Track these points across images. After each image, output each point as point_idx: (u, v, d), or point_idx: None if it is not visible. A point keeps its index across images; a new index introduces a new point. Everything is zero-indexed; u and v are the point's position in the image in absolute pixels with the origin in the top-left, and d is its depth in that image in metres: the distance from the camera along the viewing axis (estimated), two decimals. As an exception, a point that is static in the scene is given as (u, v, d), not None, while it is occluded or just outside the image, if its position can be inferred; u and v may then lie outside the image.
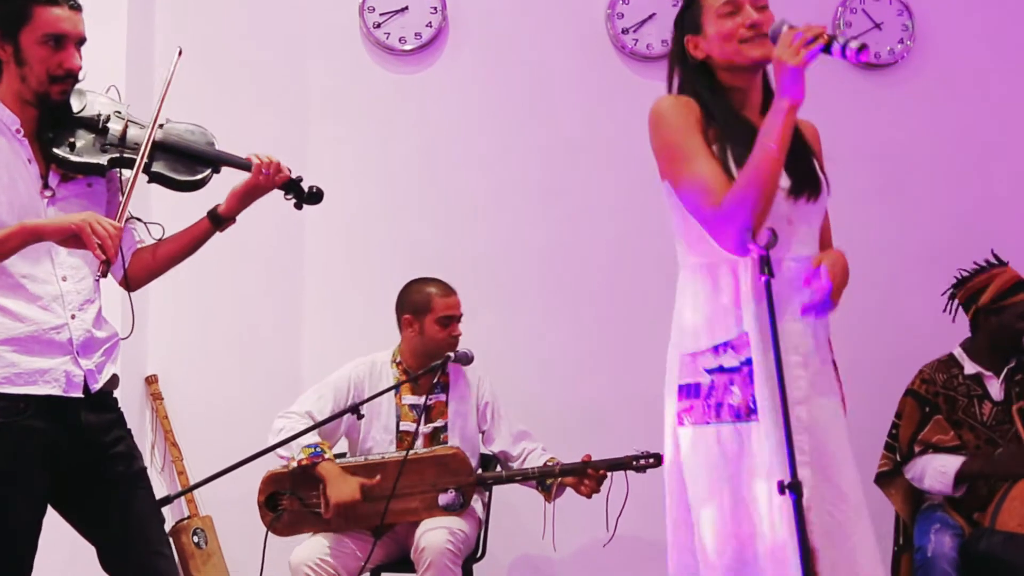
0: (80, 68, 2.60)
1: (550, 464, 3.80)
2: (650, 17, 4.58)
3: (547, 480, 3.78)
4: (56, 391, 2.55)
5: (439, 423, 3.83)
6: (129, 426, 2.73)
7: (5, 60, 2.58)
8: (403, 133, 4.56)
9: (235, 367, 4.46)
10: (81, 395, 2.58)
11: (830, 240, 2.61)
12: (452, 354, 3.73)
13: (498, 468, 3.95)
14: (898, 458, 3.77)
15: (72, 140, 2.63)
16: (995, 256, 3.85)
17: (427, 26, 4.55)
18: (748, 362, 2.35)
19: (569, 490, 3.77)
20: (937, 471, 3.66)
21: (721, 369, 2.39)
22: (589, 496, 3.74)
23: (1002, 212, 4.62)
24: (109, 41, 4.00)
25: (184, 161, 2.74)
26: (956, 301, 3.88)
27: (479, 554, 3.88)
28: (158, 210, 2.93)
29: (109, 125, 2.68)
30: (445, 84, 4.58)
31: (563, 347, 4.52)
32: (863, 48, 2.28)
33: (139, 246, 2.78)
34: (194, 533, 4.21)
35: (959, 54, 4.68)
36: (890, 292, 4.54)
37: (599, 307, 4.54)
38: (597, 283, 4.55)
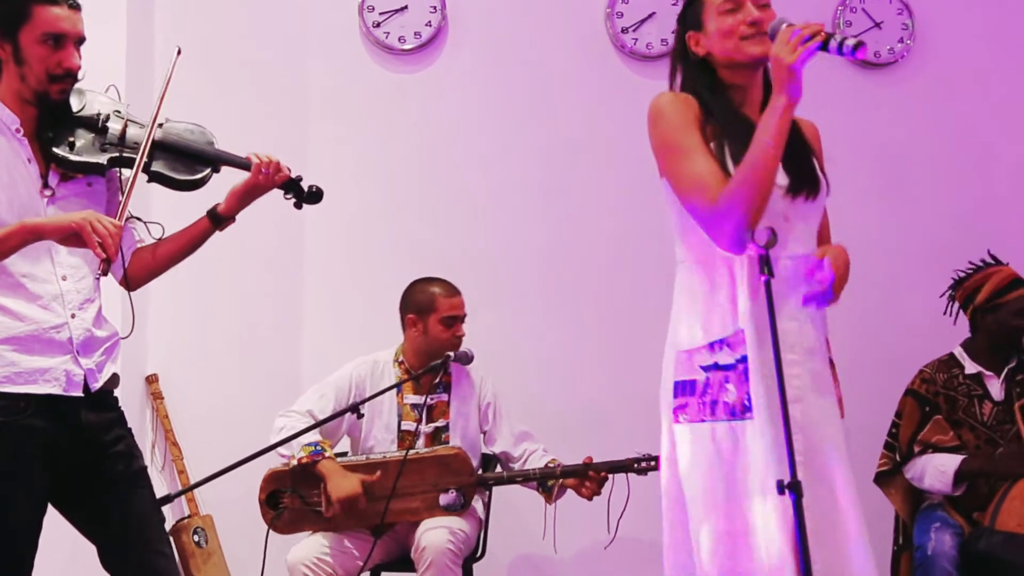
0: (79, 67, 2.60)
1: (551, 465, 3.80)
2: (650, 16, 4.58)
3: (548, 481, 3.78)
4: (56, 390, 2.55)
5: (441, 423, 3.83)
6: (129, 425, 2.73)
7: (4, 59, 2.58)
8: (403, 132, 4.56)
9: (235, 366, 4.47)
10: (81, 394, 2.58)
11: (828, 239, 2.61)
12: (452, 353, 3.73)
13: (498, 468, 3.95)
14: (898, 458, 3.77)
15: (72, 139, 2.63)
16: (992, 256, 3.85)
17: (427, 25, 4.55)
18: (743, 359, 2.36)
19: (570, 492, 3.77)
20: (937, 470, 3.66)
21: (716, 366, 2.39)
22: (590, 498, 3.74)
23: (1002, 212, 4.62)
24: (109, 40, 4.00)
25: (184, 160, 2.74)
26: (956, 303, 3.88)
27: (479, 554, 3.88)
28: (159, 210, 2.93)
29: (109, 124, 2.68)
30: (445, 83, 4.58)
31: (563, 347, 4.52)
32: (859, 46, 2.28)
33: (139, 245, 2.78)
34: (194, 532, 4.22)
35: (959, 53, 4.68)
36: (890, 292, 4.53)
37: (599, 307, 4.54)
38: (597, 283, 4.55)
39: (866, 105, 4.62)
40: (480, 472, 3.83)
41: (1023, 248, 4.15)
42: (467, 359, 3.75)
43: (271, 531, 3.67)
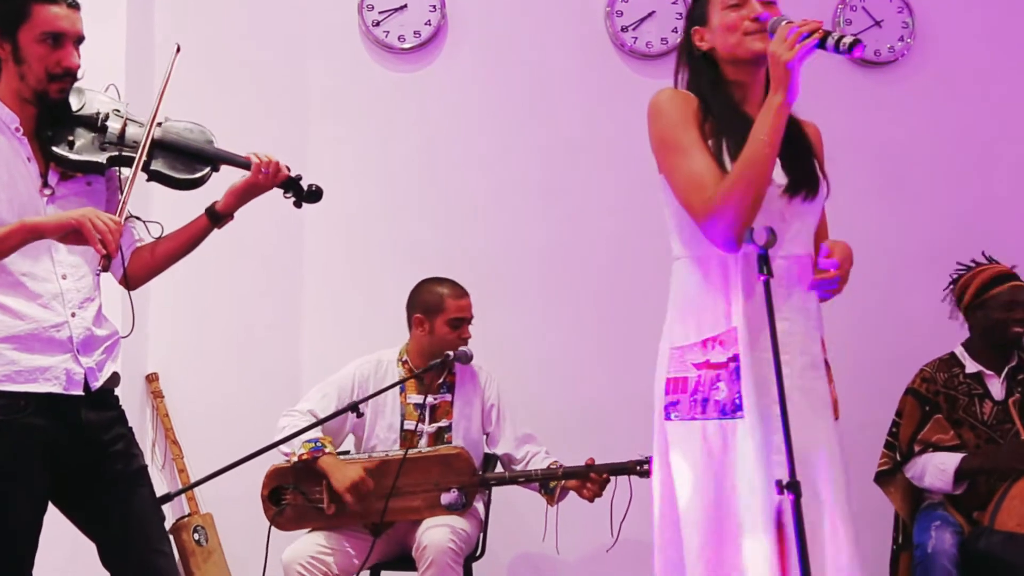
0: (79, 66, 2.60)
1: (553, 467, 3.80)
2: (649, 15, 4.58)
3: (550, 483, 3.78)
4: (56, 389, 2.55)
5: (444, 423, 3.82)
6: (130, 424, 2.73)
7: (4, 58, 2.58)
8: (403, 132, 4.56)
9: (235, 365, 4.47)
10: (81, 393, 2.58)
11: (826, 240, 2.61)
12: (451, 353, 3.73)
13: (498, 467, 3.95)
14: (898, 457, 3.77)
15: (71, 138, 2.63)
16: (985, 256, 3.86)
17: (426, 24, 4.55)
18: (735, 358, 2.36)
19: (572, 494, 3.77)
20: (937, 468, 3.66)
21: (708, 364, 2.40)
22: (592, 500, 3.74)
23: (1002, 212, 4.61)
24: (108, 40, 4.00)
25: (183, 159, 2.75)
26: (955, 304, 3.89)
27: (479, 553, 3.88)
28: (158, 209, 2.93)
29: (108, 123, 2.68)
30: (444, 82, 4.58)
31: (563, 347, 4.52)
32: (856, 44, 2.28)
33: (138, 244, 2.78)
34: (195, 530, 4.22)
35: (959, 52, 4.67)
36: (890, 292, 4.53)
37: (599, 307, 4.54)
38: (597, 283, 4.55)
39: (866, 104, 4.62)
40: (480, 472, 3.83)
41: (1023, 248, 4.15)
42: (467, 358, 3.75)
43: (273, 527, 3.67)
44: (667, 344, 2.48)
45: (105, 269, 2.52)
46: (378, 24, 4.55)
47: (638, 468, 3.69)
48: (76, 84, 2.63)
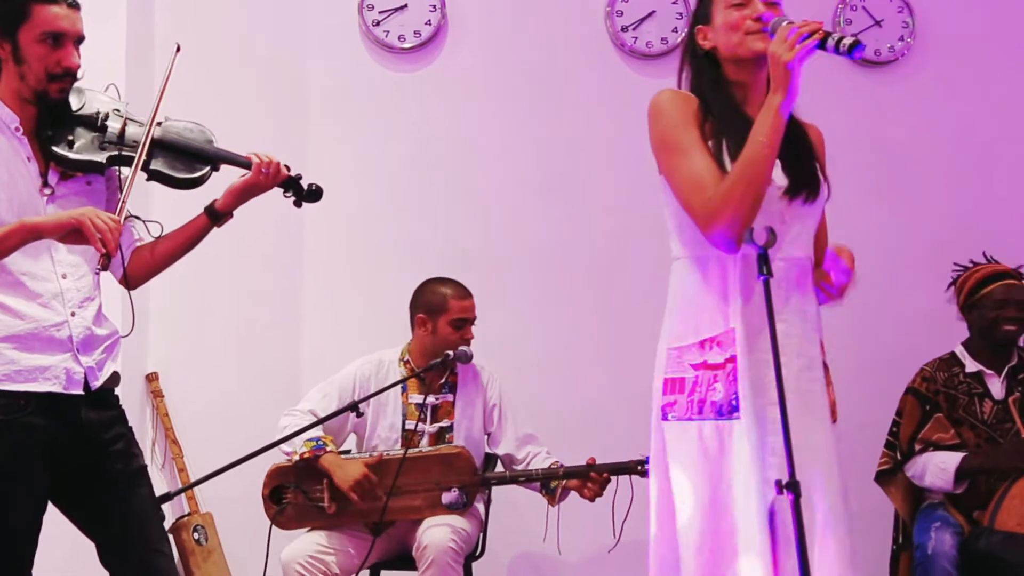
0: (78, 66, 2.60)
1: (554, 467, 3.80)
2: (650, 15, 4.58)
3: (551, 483, 3.78)
4: (56, 388, 2.55)
5: (445, 423, 3.82)
6: (130, 423, 2.73)
7: (4, 58, 2.58)
8: (403, 131, 4.56)
9: (235, 365, 4.47)
10: (81, 392, 2.59)
11: (826, 243, 2.60)
12: (451, 352, 3.73)
13: (499, 467, 3.95)
14: (898, 456, 3.77)
15: (71, 138, 2.63)
16: (985, 256, 3.86)
17: (426, 24, 4.55)
18: (733, 359, 2.36)
19: (573, 494, 3.77)
20: (938, 467, 3.66)
21: (706, 365, 2.39)
22: (592, 500, 3.74)
23: (1002, 212, 4.61)
24: (108, 39, 4.01)
25: (183, 159, 2.75)
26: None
27: (479, 552, 3.88)
28: (158, 208, 2.93)
29: (108, 123, 2.68)
30: (445, 82, 4.58)
31: (563, 347, 4.52)
32: (856, 45, 2.28)
33: (138, 244, 2.78)
34: (194, 530, 4.22)
35: (959, 52, 4.67)
36: (890, 292, 4.53)
37: (599, 307, 4.54)
38: (597, 282, 4.55)
39: (866, 104, 4.62)
40: (481, 472, 3.83)
41: (1023, 248, 4.15)
42: (466, 358, 3.75)
43: (273, 526, 3.67)
44: (665, 344, 2.48)
45: (104, 268, 2.52)
46: (378, 24, 4.55)
47: (639, 468, 3.69)
48: (76, 84, 2.63)
